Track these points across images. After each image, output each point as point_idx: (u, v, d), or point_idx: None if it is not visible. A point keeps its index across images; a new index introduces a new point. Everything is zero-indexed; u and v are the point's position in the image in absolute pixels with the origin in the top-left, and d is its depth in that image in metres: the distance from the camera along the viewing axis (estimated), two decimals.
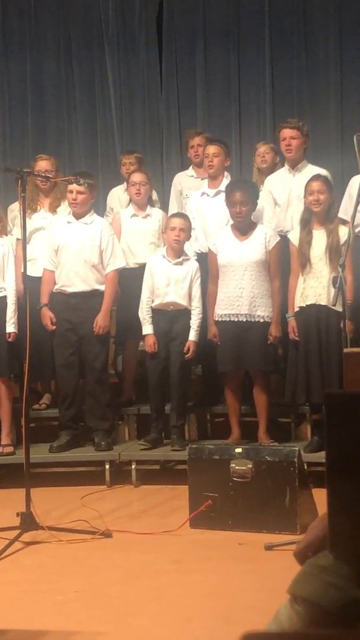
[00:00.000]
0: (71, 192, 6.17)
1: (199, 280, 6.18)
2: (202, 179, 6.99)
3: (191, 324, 6.13)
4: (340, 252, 5.63)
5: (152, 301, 6.18)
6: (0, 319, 6.14)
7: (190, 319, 6.14)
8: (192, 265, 6.21)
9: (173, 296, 6.14)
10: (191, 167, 7.30)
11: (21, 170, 5.15)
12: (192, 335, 6.12)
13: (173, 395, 6.21)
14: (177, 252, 6.19)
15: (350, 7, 8.25)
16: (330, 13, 8.30)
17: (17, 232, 6.35)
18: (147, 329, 6.17)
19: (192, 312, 6.15)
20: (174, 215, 6.34)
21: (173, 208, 7.18)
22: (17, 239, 6.32)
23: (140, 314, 6.19)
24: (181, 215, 6.36)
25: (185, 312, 6.16)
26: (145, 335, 6.19)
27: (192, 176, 7.19)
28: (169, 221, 6.24)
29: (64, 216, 6.38)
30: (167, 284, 6.15)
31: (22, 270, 5.21)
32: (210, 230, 6.36)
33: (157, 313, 6.18)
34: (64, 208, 6.50)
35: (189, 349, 6.09)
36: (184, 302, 6.15)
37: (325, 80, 8.33)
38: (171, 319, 6.15)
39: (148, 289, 6.19)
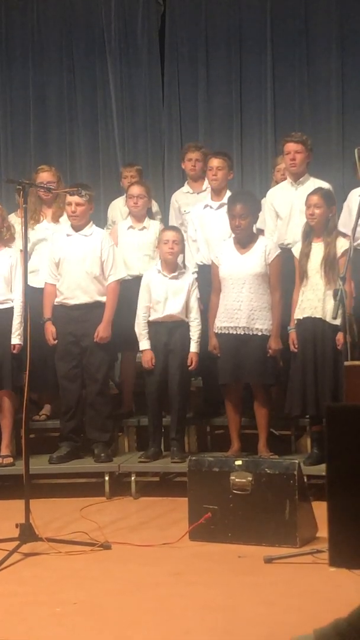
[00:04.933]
0: (70, 204, 6.19)
1: (195, 292, 6.21)
2: (197, 194, 7.02)
3: (191, 336, 6.15)
4: (336, 265, 5.65)
5: (149, 315, 6.19)
6: (6, 331, 6.14)
7: (187, 330, 6.16)
8: (189, 278, 6.24)
9: (171, 310, 6.15)
10: (186, 183, 7.29)
11: (23, 181, 5.16)
12: (193, 347, 6.14)
13: (172, 407, 6.21)
14: (172, 266, 6.21)
15: (352, 21, 8.27)
16: (332, 26, 8.32)
17: (19, 244, 6.31)
18: (144, 344, 6.18)
19: (190, 324, 6.16)
20: (166, 229, 6.35)
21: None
22: (20, 250, 6.32)
23: (136, 329, 6.20)
24: (174, 228, 6.37)
25: (183, 324, 6.17)
26: (142, 351, 6.20)
27: (188, 192, 7.16)
28: (161, 235, 6.26)
29: (64, 229, 6.39)
30: (165, 297, 6.16)
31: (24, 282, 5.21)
32: (213, 243, 6.36)
33: (155, 325, 6.19)
34: (65, 220, 6.51)
35: (192, 361, 6.11)
36: (181, 315, 6.16)
37: (327, 93, 8.34)
38: (169, 330, 6.16)
39: (144, 304, 6.20)
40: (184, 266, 6.39)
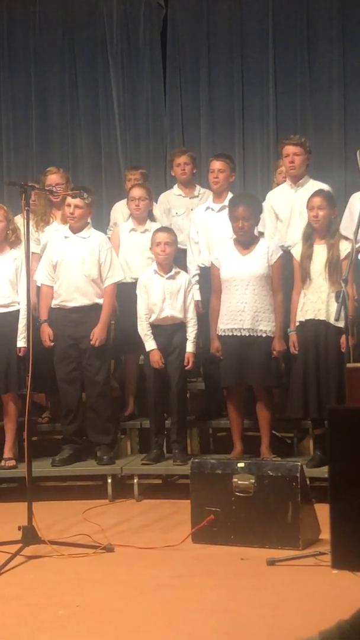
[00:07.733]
0: (69, 205, 6.20)
1: (192, 292, 6.21)
2: (190, 198, 6.99)
3: (187, 336, 6.15)
4: (340, 267, 5.65)
5: (150, 317, 6.20)
6: (12, 334, 6.14)
7: (186, 331, 6.16)
8: (184, 278, 6.26)
9: (169, 310, 6.16)
10: (176, 185, 7.21)
11: (25, 184, 5.17)
12: (190, 347, 6.14)
13: (172, 409, 6.21)
14: (167, 267, 6.22)
15: (353, 24, 8.28)
16: (333, 30, 8.33)
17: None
18: (151, 344, 6.16)
19: (187, 323, 6.16)
20: (158, 230, 6.34)
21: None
22: (33, 253, 6.32)
23: (140, 331, 6.19)
24: (166, 229, 6.37)
25: (182, 325, 6.18)
26: (149, 352, 6.17)
27: (181, 195, 7.10)
28: (154, 236, 6.26)
29: (62, 231, 6.39)
30: (163, 299, 6.16)
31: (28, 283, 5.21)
32: (214, 245, 6.36)
33: (155, 328, 6.19)
34: (59, 222, 6.52)
35: (188, 361, 6.11)
36: (180, 315, 6.17)
37: (329, 96, 8.35)
38: (169, 333, 6.17)
39: (144, 305, 6.20)
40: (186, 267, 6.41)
